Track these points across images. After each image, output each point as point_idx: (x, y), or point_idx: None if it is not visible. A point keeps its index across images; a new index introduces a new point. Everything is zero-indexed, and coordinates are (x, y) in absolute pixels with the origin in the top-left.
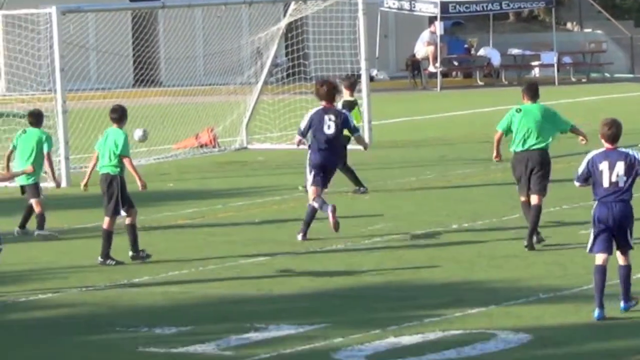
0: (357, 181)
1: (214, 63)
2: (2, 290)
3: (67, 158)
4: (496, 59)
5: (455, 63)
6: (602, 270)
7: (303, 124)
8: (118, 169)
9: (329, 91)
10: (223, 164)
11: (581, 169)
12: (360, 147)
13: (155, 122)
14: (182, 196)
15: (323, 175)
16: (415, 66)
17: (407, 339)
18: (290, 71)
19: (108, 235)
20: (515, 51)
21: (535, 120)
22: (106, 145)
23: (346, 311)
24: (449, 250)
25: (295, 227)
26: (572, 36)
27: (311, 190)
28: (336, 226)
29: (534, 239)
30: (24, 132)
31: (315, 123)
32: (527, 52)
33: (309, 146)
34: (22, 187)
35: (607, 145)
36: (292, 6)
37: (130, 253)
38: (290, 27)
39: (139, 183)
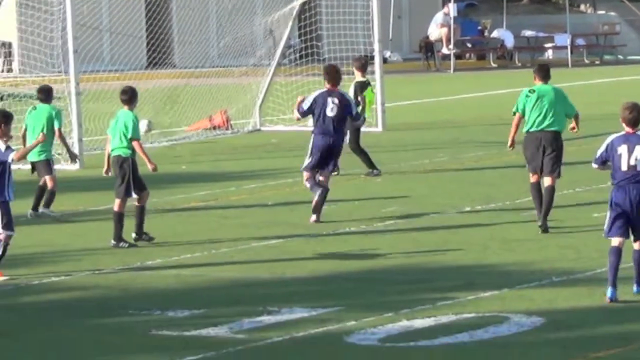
0: (370, 164)
1: (227, 44)
2: (15, 272)
3: (80, 140)
4: (509, 41)
5: (469, 45)
6: (617, 252)
7: (306, 104)
8: (129, 151)
9: (331, 74)
10: (236, 146)
11: (600, 151)
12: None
13: (167, 104)
14: (195, 178)
15: (321, 158)
16: (428, 48)
17: (419, 322)
18: (303, 52)
19: (119, 218)
20: (528, 33)
21: (550, 100)
22: (117, 127)
23: (359, 294)
24: (462, 233)
25: (308, 209)
26: (585, 18)
27: (304, 174)
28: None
29: (540, 222)
30: (34, 108)
31: (320, 105)
32: (541, 34)
33: (312, 131)
34: (33, 165)
35: (627, 129)
36: None
37: (134, 235)
38: (303, 9)
39: (149, 166)
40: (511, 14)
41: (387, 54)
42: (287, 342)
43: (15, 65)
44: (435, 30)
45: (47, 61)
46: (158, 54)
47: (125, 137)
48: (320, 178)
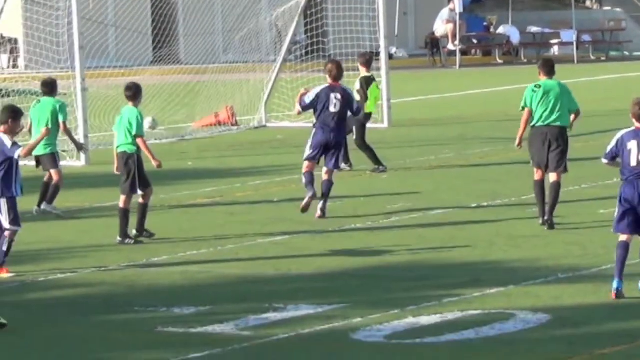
0: (376, 160)
1: (233, 40)
2: (21, 269)
3: (86, 136)
4: (515, 37)
5: (475, 41)
6: (625, 246)
7: (308, 98)
8: (134, 147)
9: (333, 70)
10: (242, 143)
11: (610, 146)
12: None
13: (174, 101)
14: (200, 175)
15: (321, 152)
16: (434, 44)
17: (425, 319)
18: (309, 49)
19: (125, 214)
20: (534, 29)
21: (556, 95)
22: (122, 123)
23: (365, 291)
24: (468, 230)
25: (313, 206)
26: (591, 14)
27: (305, 163)
28: (304, 210)
29: (540, 220)
30: (38, 102)
31: (322, 100)
32: (547, 30)
33: (314, 124)
34: (37, 159)
35: (637, 125)
36: None
37: (134, 232)
38: (309, 5)
39: (153, 163)
40: (517, 10)
41: (393, 50)
42: (293, 339)
43: (20, 62)
44: (441, 27)
45: (52, 57)
46: (164, 50)
47: (130, 133)
48: (325, 174)
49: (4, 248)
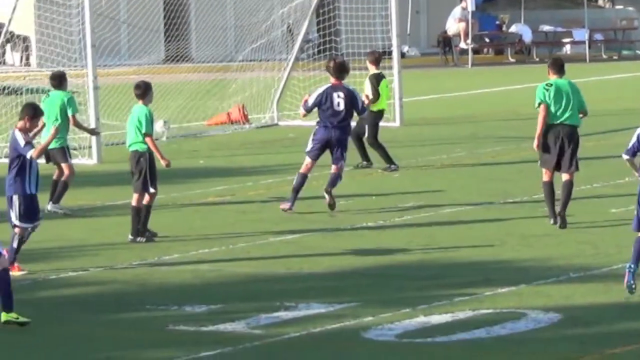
0: (388, 158)
1: (244, 38)
2: (33, 267)
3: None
4: (527, 36)
5: (487, 40)
6: None
7: (311, 100)
8: (146, 146)
9: (336, 69)
10: (253, 141)
11: (631, 142)
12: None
13: (186, 99)
14: (212, 173)
15: (322, 149)
16: (446, 43)
17: (437, 318)
18: (322, 47)
19: (137, 212)
20: (546, 28)
21: (567, 94)
22: (132, 122)
23: (376, 290)
24: (479, 229)
25: (325, 204)
26: (603, 13)
27: (305, 160)
28: (285, 210)
29: (551, 220)
30: (48, 96)
31: (325, 99)
32: (559, 29)
33: (317, 122)
34: (47, 153)
35: None
36: None
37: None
38: (322, 3)
39: (162, 162)
40: (529, 8)
41: (405, 48)
42: (304, 338)
43: (33, 60)
44: (453, 25)
45: (65, 55)
46: (176, 48)
47: (140, 131)
48: (332, 170)
49: (15, 245)
